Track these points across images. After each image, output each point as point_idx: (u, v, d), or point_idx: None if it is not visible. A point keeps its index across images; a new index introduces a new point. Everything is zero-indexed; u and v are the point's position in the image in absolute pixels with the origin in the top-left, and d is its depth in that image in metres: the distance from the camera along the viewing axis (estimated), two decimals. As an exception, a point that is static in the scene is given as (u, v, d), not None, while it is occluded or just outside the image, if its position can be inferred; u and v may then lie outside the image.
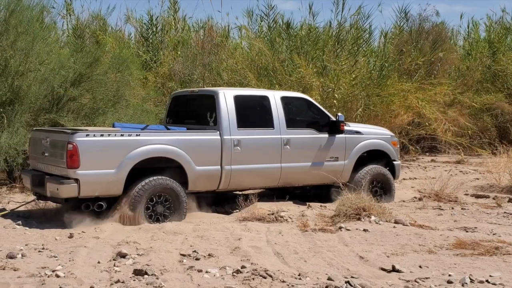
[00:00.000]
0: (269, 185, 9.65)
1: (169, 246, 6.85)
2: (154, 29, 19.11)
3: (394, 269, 5.98)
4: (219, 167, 8.87)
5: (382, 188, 10.27)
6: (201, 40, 18.78)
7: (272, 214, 8.64)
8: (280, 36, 17.88)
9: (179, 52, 18.34)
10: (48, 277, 5.61)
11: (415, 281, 5.64)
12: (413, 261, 6.36)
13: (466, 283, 5.55)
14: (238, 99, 9.19)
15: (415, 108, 16.65)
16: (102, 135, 8.03)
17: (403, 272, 5.94)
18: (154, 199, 8.27)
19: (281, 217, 8.51)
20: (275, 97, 9.58)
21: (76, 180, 7.79)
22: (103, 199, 8.08)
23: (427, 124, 16.91)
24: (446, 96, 17.82)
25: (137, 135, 8.30)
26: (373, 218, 8.25)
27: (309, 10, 19.08)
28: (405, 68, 18.42)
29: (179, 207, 8.41)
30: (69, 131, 8.10)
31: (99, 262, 6.15)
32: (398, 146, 11.08)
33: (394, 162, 10.59)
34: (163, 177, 8.34)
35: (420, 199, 10.25)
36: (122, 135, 8.17)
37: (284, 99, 9.66)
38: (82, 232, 7.59)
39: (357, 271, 5.95)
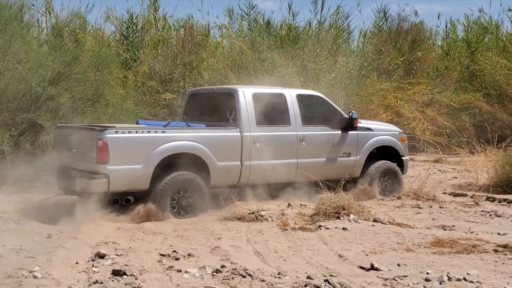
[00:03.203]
0: (285, 180, 9.79)
1: (149, 246, 6.82)
2: (134, 28, 18.96)
3: (372, 268, 6.02)
4: (239, 162, 9.13)
5: (391, 183, 10.64)
6: (181, 39, 18.69)
7: (253, 213, 8.63)
8: (261, 35, 17.90)
9: (159, 51, 18.23)
10: (25, 278, 5.53)
11: (393, 279, 5.68)
12: (391, 259, 6.41)
13: (444, 281, 5.59)
14: (256, 97, 9.43)
15: (394, 107, 16.81)
16: (130, 132, 8.25)
17: (381, 270, 5.98)
18: (179, 194, 8.51)
19: (261, 216, 8.51)
20: (291, 94, 9.86)
21: (106, 175, 7.97)
22: (130, 193, 8.24)
23: (405, 123, 17.04)
24: (425, 96, 18.01)
25: (162, 132, 8.52)
26: (352, 216, 8.29)
27: (288, 10, 19.16)
28: (384, 67, 18.54)
29: (202, 202, 8.66)
30: (99, 127, 8.30)
31: (77, 263, 6.10)
32: (406, 142, 11.48)
33: (403, 158, 10.98)
34: (188, 172, 8.55)
35: (398, 198, 10.31)
36: (149, 132, 8.39)
37: (299, 97, 9.92)
38: (61, 232, 7.50)
39: (336, 270, 5.98)
